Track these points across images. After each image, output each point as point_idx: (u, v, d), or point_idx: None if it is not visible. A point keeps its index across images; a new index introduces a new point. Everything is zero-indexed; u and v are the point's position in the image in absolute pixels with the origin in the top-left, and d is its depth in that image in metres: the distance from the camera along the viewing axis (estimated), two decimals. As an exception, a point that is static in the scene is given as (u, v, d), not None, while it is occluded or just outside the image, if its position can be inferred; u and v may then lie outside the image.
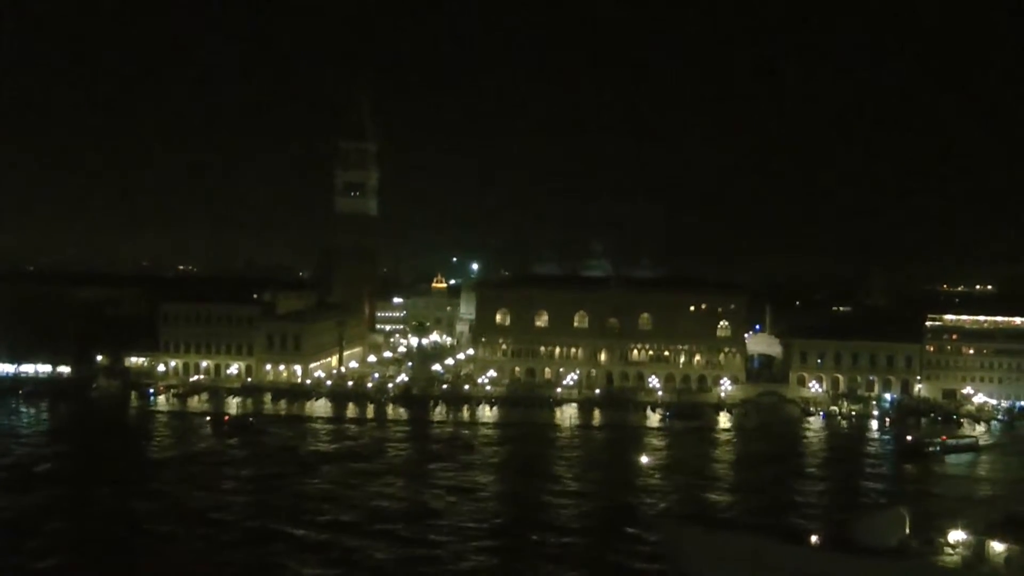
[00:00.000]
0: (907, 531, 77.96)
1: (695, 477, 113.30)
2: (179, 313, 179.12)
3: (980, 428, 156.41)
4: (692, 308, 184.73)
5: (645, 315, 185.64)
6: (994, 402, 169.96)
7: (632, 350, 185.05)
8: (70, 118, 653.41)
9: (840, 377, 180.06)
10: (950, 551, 76.63)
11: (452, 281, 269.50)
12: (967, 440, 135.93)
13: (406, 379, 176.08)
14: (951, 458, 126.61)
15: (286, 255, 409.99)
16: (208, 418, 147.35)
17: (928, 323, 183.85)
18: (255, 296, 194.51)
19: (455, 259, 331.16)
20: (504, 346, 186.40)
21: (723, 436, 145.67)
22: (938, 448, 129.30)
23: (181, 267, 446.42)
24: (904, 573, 75.81)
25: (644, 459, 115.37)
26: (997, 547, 75.30)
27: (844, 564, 75.76)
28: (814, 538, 78.30)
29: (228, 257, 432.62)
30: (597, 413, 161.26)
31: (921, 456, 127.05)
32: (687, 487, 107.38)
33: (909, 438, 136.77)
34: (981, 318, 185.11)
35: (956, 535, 77.34)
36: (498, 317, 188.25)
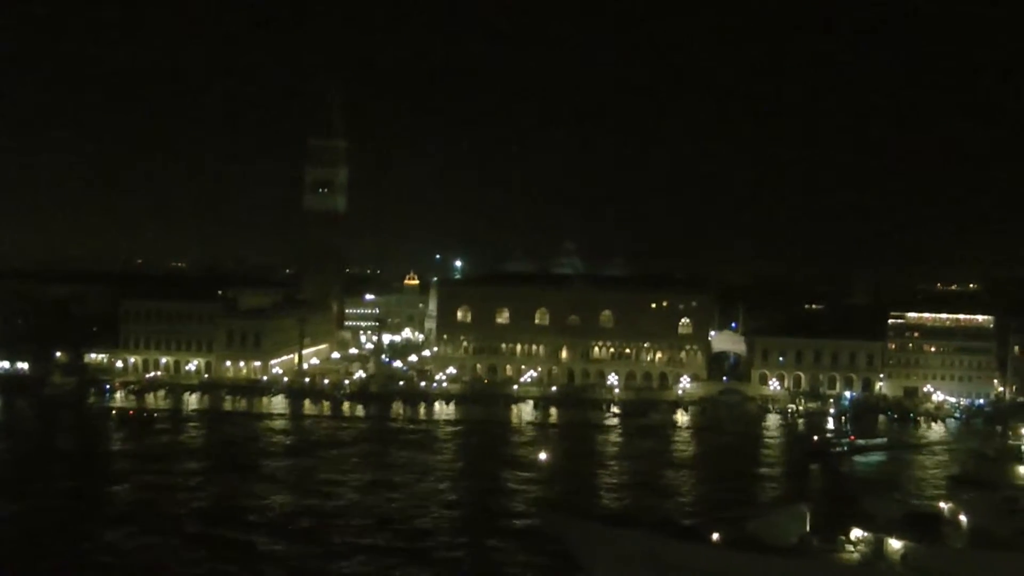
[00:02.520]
0: (807, 529, 77.89)
1: (601, 474, 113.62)
2: (139, 310, 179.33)
3: (936, 426, 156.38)
4: (653, 305, 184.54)
5: (606, 312, 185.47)
6: (953, 400, 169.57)
7: (593, 347, 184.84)
8: (65, 118, 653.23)
9: (802, 375, 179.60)
10: (850, 548, 76.57)
11: (435, 279, 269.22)
12: (877, 441, 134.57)
13: (363, 375, 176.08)
14: (859, 458, 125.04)
15: (282, 253, 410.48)
16: (114, 412, 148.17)
17: (890, 321, 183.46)
18: (220, 293, 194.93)
19: (438, 257, 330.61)
20: (465, 343, 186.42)
21: (673, 433, 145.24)
22: (845, 448, 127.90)
23: (176, 264, 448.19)
24: (804, 570, 75.67)
25: (543, 456, 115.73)
26: (895, 544, 75.34)
27: (744, 562, 75.65)
28: (714, 536, 78.21)
29: (220, 255, 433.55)
30: (554, 411, 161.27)
31: (827, 457, 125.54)
32: (591, 484, 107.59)
33: (815, 438, 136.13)
34: (943, 316, 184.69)
35: (856, 533, 77.31)
36: (459, 314, 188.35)
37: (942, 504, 79.90)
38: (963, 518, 77.92)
